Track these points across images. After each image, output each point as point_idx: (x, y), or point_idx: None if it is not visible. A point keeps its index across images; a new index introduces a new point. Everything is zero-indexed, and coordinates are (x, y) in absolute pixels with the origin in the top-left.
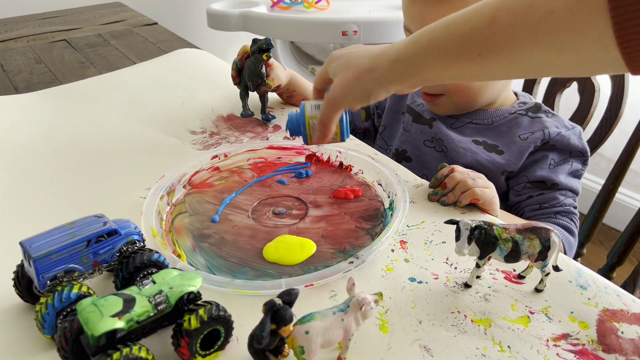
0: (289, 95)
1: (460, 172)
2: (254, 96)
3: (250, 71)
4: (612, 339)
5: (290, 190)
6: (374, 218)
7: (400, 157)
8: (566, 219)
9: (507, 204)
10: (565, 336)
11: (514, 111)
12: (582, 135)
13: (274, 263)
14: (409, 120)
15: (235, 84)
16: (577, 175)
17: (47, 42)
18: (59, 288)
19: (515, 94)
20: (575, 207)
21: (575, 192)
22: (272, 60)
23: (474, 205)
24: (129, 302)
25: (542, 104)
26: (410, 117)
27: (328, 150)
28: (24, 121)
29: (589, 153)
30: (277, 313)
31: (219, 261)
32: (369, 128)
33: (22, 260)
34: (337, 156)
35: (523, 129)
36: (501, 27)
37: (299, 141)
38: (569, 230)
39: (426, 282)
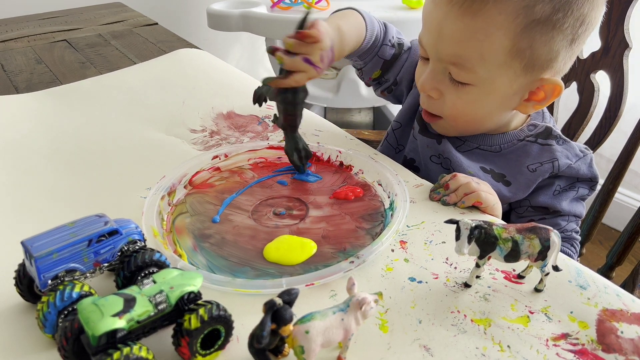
0: None
1: (464, 176)
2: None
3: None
4: (612, 338)
5: (290, 191)
6: (374, 218)
7: (409, 165)
8: (567, 245)
9: None
10: (564, 336)
11: (522, 137)
12: (594, 161)
13: (275, 263)
14: (417, 130)
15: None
16: (582, 199)
17: (47, 42)
18: (61, 287)
19: None
20: (577, 232)
21: (578, 217)
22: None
23: (475, 208)
24: (130, 302)
25: (553, 128)
26: (418, 127)
27: (328, 150)
28: (24, 121)
29: (598, 179)
30: (277, 313)
31: (220, 261)
32: (368, 85)
33: (23, 260)
34: (337, 156)
35: (532, 159)
36: None
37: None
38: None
39: (426, 282)
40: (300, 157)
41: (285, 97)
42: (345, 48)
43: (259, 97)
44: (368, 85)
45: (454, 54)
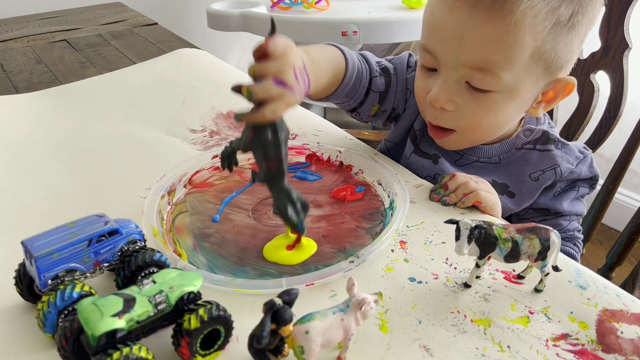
0: None
1: (463, 175)
2: None
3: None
4: (612, 339)
5: None
6: (374, 218)
7: None
8: (569, 245)
9: None
10: (564, 336)
11: (520, 145)
12: (594, 161)
13: (275, 262)
14: (410, 150)
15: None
16: (582, 197)
17: (47, 42)
18: (61, 287)
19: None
20: (579, 231)
21: (579, 215)
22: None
23: (475, 208)
24: (129, 302)
25: (550, 131)
26: (412, 147)
27: (328, 150)
28: (24, 121)
29: (599, 177)
30: (277, 313)
31: (220, 260)
32: (367, 122)
33: (23, 260)
34: (337, 156)
35: (533, 167)
36: None
37: (299, 140)
38: (571, 257)
39: (426, 282)
40: (297, 211)
41: (263, 138)
42: (321, 74)
43: (229, 158)
44: (366, 122)
45: (480, 59)
